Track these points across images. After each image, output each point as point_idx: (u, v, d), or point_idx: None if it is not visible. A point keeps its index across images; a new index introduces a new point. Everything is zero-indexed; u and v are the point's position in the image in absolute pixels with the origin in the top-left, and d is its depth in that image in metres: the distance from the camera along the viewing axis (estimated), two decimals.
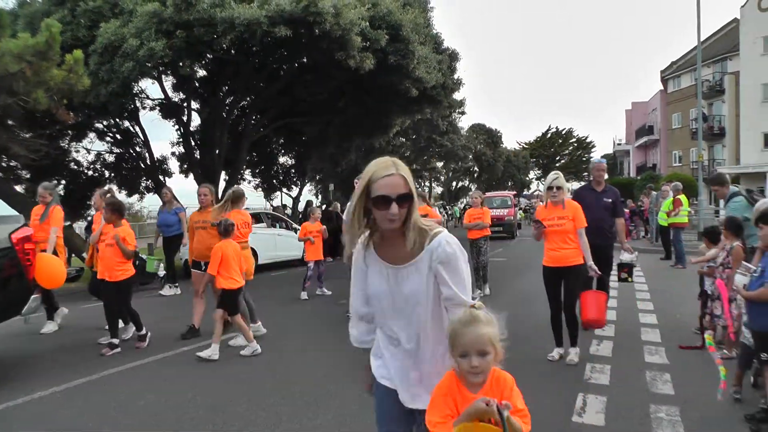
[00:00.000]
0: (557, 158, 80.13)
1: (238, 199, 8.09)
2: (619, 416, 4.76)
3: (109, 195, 8.59)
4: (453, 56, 21.70)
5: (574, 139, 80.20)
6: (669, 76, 49.32)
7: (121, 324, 7.73)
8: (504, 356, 2.35)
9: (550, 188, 6.40)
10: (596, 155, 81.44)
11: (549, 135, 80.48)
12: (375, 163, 2.42)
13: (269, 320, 8.70)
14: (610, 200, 7.80)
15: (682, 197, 14.80)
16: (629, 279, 7.78)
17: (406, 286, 2.42)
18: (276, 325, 8.65)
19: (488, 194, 33.15)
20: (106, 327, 7.68)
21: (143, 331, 7.70)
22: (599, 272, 6.42)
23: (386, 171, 2.33)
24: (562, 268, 6.31)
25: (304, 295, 11.33)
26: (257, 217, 16.89)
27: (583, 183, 75.75)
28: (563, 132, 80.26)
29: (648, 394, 5.26)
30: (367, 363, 2.74)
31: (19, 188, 17.07)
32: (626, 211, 10.41)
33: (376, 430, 2.68)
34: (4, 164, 16.97)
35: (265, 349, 7.25)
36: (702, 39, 24.13)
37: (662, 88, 51.29)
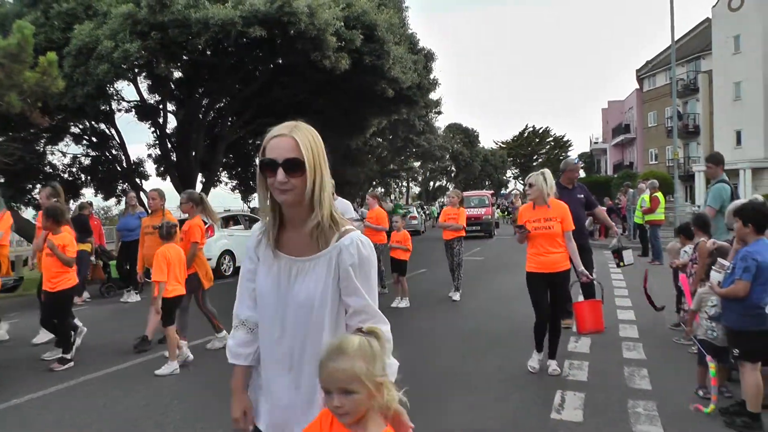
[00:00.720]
0: (534, 157, 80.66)
1: (201, 202, 7.61)
2: (597, 412, 4.80)
3: (54, 199, 8.07)
4: (428, 56, 21.76)
5: (551, 138, 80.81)
6: (644, 75, 49.86)
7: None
8: (395, 401, 1.94)
9: (529, 185, 5.95)
10: (573, 154, 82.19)
11: (526, 134, 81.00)
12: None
13: None
14: (582, 196, 7.86)
15: (659, 195, 14.96)
16: (622, 264, 7.92)
17: (301, 288, 2.01)
18: None
19: (466, 193, 33.18)
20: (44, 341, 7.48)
21: (68, 356, 6.90)
22: (591, 277, 6.10)
23: (278, 131, 2.01)
24: (549, 275, 5.75)
25: None
26: (235, 219, 16.82)
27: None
28: (540, 131, 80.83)
29: (626, 390, 5.31)
30: (241, 385, 2.25)
31: None
32: (603, 208, 10.51)
33: None
34: None
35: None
36: (676, 38, 24.43)
37: (638, 87, 51.82)
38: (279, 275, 2.04)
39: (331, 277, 1.99)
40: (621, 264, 7.96)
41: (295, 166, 1.92)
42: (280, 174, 1.91)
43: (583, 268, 5.93)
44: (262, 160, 1.97)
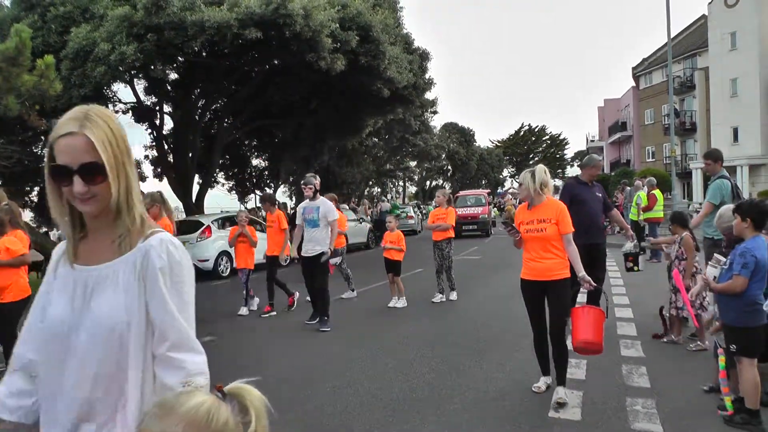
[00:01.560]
0: (531, 156, 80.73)
1: (164, 201, 7.08)
2: (595, 410, 4.82)
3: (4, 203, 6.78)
4: (424, 56, 21.78)
5: (547, 137, 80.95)
6: (640, 73, 49.91)
7: None
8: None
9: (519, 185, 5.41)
10: (569, 152, 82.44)
11: (522, 133, 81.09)
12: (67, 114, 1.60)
13: (249, 321, 8.68)
14: (600, 195, 7.59)
15: (657, 192, 14.99)
16: (636, 268, 7.72)
17: (99, 304, 1.54)
18: (257, 326, 8.61)
19: (462, 193, 33.02)
20: None
21: None
22: (594, 284, 5.05)
23: (65, 127, 1.55)
24: (543, 283, 5.03)
25: (243, 310, 10.11)
26: (232, 220, 16.79)
27: (557, 180, 75.68)
28: (536, 129, 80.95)
29: (624, 388, 5.33)
30: None
31: None
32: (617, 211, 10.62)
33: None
34: None
35: (249, 348, 7.23)
36: (672, 36, 24.47)
37: (634, 84, 51.86)
38: (74, 293, 1.58)
39: (137, 288, 1.56)
40: (635, 269, 7.84)
41: (93, 171, 1.51)
42: (78, 184, 1.50)
43: (584, 273, 4.97)
44: (51, 167, 1.54)
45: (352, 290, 11.20)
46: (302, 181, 9.00)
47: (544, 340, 5.23)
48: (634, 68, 51.58)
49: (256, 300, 10.46)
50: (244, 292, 10.19)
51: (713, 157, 7.53)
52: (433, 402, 5.18)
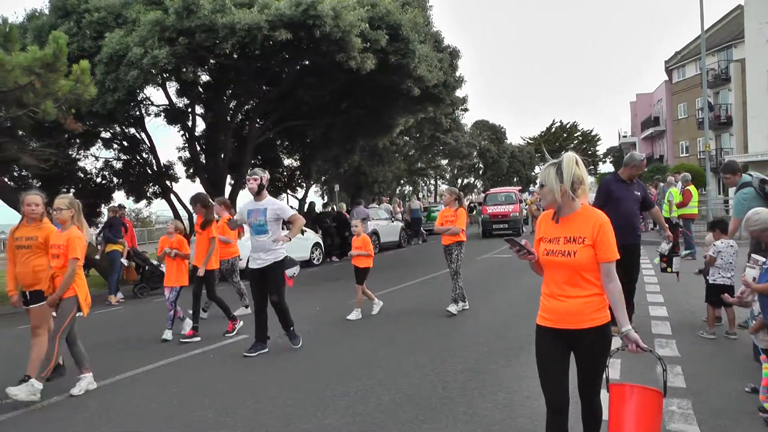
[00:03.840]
0: (562, 152, 79.94)
1: (79, 210, 6.46)
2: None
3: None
4: (454, 54, 21.69)
5: (578, 133, 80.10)
6: (673, 67, 49.11)
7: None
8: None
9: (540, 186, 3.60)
10: (602, 148, 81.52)
11: (553, 129, 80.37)
12: None
13: (273, 321, 8.75)
14: (639, 194, 7.37)
15: (692, 188, 14.76)
16: (669, 269, 7.67)
17: None
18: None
19: (492, 190, 32.81)
20: None
21: None
22: (644, 347, 3.30)
23: None
24: (570, 333, 3.36)
25: (167, 334, 8.58)
26: None
27: (589, 177, 75.38)
28: (568, 126, 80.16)
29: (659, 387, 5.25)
30: None
31: None
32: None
33: (385, 430, 2.65)
34: (15, 174, 17.21)
35: (272, 350, 7.31)
36: (706, 27, 24.05)
37: (667, 78, 51.09)
38: None
39: None
40: (669, 270, 7.74)
41: None
42: None
43: (630, 328, 3.34)
44: None
45: (246, 306, 10.25)
46: (253, 169, 7.57)
47: (559, 419, 3.43)
48: (666, 62, 50.78)
49: (189, 321, 8.74)
50: (171, 313, 8.60)
51: (731, 170, 7.40)
52: (465, 401, 5.18)
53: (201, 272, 8.41)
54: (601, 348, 3.39)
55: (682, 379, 5.45)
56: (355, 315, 9.45)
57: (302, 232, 18.24)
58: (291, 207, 9.75)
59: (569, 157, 3.44)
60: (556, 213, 3.48)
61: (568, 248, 3.35)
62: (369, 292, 9.80)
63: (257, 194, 7.33)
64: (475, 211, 34.06)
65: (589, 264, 3.32)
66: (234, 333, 8.60)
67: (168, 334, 8.53)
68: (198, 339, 8.33)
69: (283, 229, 7.67)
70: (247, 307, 10.20)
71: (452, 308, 9.38)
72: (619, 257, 3.34)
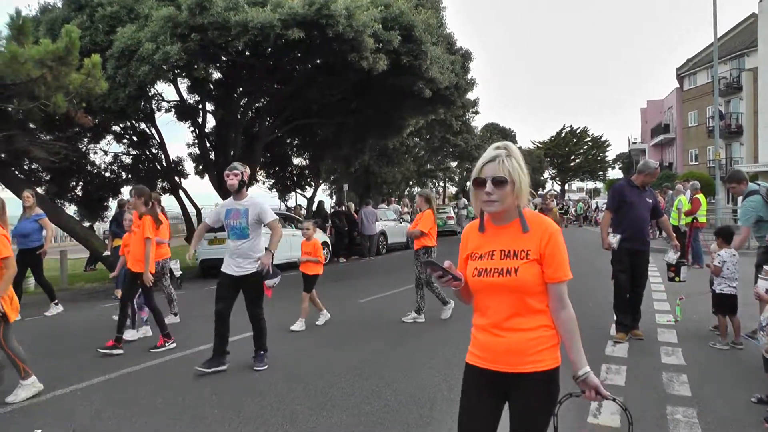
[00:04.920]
0: (572, 157, 79.82)
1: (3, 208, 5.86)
2: (634, 417, 4.72)
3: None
4: (466, 56, 21.70)
5: (588, 138, 79.89)
6: (685, 74, 48.91)
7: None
8: None
9: (479, 180, 2.53)
10: (611, 154, 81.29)
11: (563, 134, 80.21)
12: None
13: (281, 319, 8.76)
14: (651, 201, 7.39)
15: (700, 196, 14.69)
16: (677, 279, 7.64)
17: None
18: (288, 324, 8.69)
19: None
20: None
21: None
22: (607, 395, 2.68)
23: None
24: (506, 377, 2.57)
25: (131, 333, 8.29)
26: None
27: (597, 182, 74.07)
28: (578, 131, 79.99)
29: (664, 395, 5.24)
30: None
31: (39, 190, 17.41)
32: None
33: (391, 430, 2.64)
34: (25, 167, 17.28)
35: (278, 348, 7.31)
36: (719, 35, 23.94)
37: (678, 85, 50.90)
38: None
39: None
40: (677, 279, 7.72)
41: None
42: None
43: (588, 370, 2.67)
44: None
45: (175, 314, 9.64)
46: (232, 163, 6.74)
47: None
48: (678, 69, 50.59)
49: (146, 328, 8.56)
50: (143, 307, 8.42)
51: (736, 179, 7.39)
52: None
53: (148, 279, 7.58)
54: (544, 400, 2.63)
55: (688, 387, 5.43)
56: (299, 326, 8.64)
57: None
58: (298, 209, 9.45)
59: (515, 147, 2.59)
60: (481, 221, 2.65)
61: (506, 265, 2.50)
62: (318, 301, 9.05)
63: (237, 192, 6.54)
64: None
65: (535, 285, 2.49)
66: (161, 350, 7.58)
67: (131, 334, 8.22)
68: (120, 352, 7.42)
69: (289, 227, 7.47)
70: (176, 315, 9.62)
71: (410, 316, 9.06)
72: (571, 277, 2.50)
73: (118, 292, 12.77)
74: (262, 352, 6.67)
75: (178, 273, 14.21)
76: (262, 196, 29.76)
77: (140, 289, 7.92)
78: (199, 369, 6.32)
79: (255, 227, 6.44)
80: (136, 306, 8.44)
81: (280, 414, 5.07)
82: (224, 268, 6.52)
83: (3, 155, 14.77)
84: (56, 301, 10.96)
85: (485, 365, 2.60)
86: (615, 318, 7.53)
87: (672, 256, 7.60)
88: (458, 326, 8.57)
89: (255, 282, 6.47)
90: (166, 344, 7.69)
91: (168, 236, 9.28)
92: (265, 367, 6.52)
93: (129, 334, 8.17)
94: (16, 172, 16.26)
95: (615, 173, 77.19)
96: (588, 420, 4.72)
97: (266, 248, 6.43)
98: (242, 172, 6.51)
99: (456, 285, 2.63)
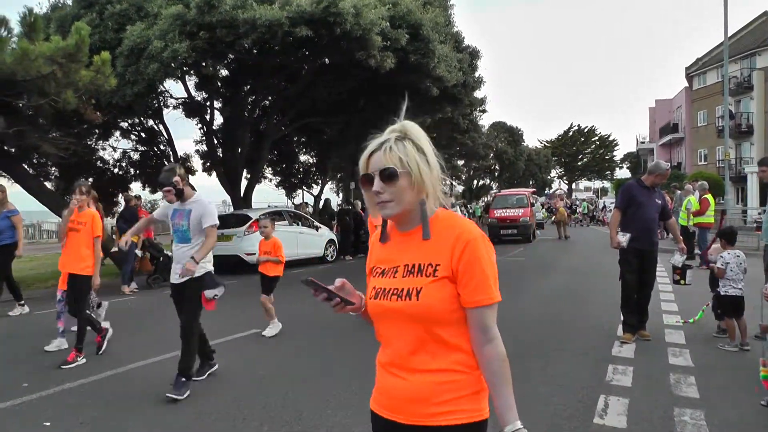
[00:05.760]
0: (579, 156, 79.67)
1: None
2: (641, 419, 4.73)
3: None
4: (473, 54, 21.66)
5: (596, 138, 79.77)
6: (694, 73, 48.70)
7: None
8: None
9: (366, 177, 1.97)
10: (619, 153, 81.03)
11: (571, 133, 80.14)
12: None
13: (284, 316, 8.78)
14: (660, 202, 7.39)
15: (709, 197, 14.64)
16: (683, 282, 7.57)
17: None
18: (292, 322, 8.70)
19: (503, 192, 32.24)
20: None
21: None
22: None
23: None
24: (410, 430, 1.91)
25: (56, 344, 7.55)
26: (280, 215, 17.13)
27: (605, 182, 73.85)
28: (585, 130, 79.89)
29: (672, 397, 5.22)
30: None
31: (48, 185, 17.52)
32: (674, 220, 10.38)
33: None
34: (35, 162, 17.39)
35: (279, 348, 7.32)
36: (729, 34, 23.81)
37: (687, 85, 50.69)
38: None
39: None
40: (682, 282, 7.68)
41: None
42: None
43: (520, 426, 1.91)
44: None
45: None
46: (159, 178, 5.96)
47: None
48: (687, 68, 50.36)
49: (60, 341, 7.62)
50: (61, 316, 7.66)
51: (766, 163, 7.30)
52: None
53: (96, 281, 7.01)
54: None
55: (696, 389, 5.40)
56: (272, 330, 8.12)
57: (316, 228, 18.31)
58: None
59: (417, 127, 2.02)
60: (383, 229, 2.04)
61: (407, 285, 1.87)
62: (271, 308, 8.13)
63: (180, 199, 5.81)
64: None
65: (445, 312, 1.85)
66: (72, 366, 6.69)
67: (54, 345, 7.52)
68: (83, 361, 6.83)
69: (296, 224, 6.95)
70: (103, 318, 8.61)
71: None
72: (501, 299, 1.93)
73: (125, 288, 12.91)
74: (183, 379, 5.57)
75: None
76: (268, 193, 29.67)
77: (75, 295, 7.02)
78: (195, 379, 5.85)
79: (198, 231, 5.71)
80: (57, 312, 7.66)
81: (284, 411, 5.08)
82: (171, 278, 5.88)
83: (13, 150, 14.87)
84: (23, 302, 10.49)
85: (388, 414, 1.96)
86: (622, 318, 7.51)
87: (678, 259, 7.57)
88: None
89: (191, 291, 5.69)
90: (78, 359, 6.78)
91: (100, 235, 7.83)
92: (182, 397, 5.45)
93: (53, 345, 7.49)
94: (26, 167, 16.35)
95: (623, 173, 77.08)
96: (594, 421, 4.71)
97: (192, 257, 5.56)
98: (174, 183, 5.70)
99: (350, 310, 2.03)
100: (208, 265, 5.81)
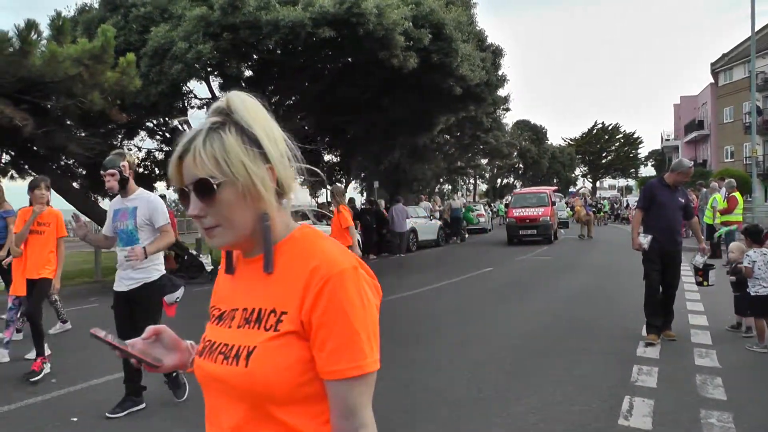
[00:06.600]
0: (603, 154, 78.98)
1: None
2: (666, 420, 4.69)
3: None
4: (497, 53, 21.60)
5: (620, 135, 78.99)
6: (720, 69, 48.03)
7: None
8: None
9: (181, 194, 1.30)
10: (644, 151, 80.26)
11: (595, 131, 79.40)
12: None
13: None
14: (683, 201, 7.28)
15: (737, 194, 14.44)
16: (705, 283, 7.51)
17: None
18: None
19: (522, 190, 31.82)
20: None
21: None
22: None
23: None
24: None
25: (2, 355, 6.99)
26: (304, 215, 17.17)
27: (629, 180, 73.37)
28: (609, 127, 79.11)
29: (698, 399, 5.15)
30: None
31: (75, 184, 17.80)
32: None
33: (419, 428, 2.56)
34: (62, 162, 17.67)
35: None
36: (756, 29, 23.44)
37: (713, 81, 50.03)
38: None
39: None
40: (705, 284, 7.58)
41: None
42: None
43: None
44: None
45: (64, 322, 8.67)
46: (105, 161, 5.06)
47: None
48: (713, 64, 49.70)
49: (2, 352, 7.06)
50: (10, 325, 7.16)
51: None
52: (499, 403, 5.16)
53: (57, 286, 6.65)
54: None
55: (723, 391, 5.33)
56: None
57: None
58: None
59: (249, 99, 1.41)
60: (228, 257, 1.39)
61: (238, 340, 1.24)
62: None
63: (122, 189, 5.06)
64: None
65: (285, 385, 1.18)
66: (40, 376, 6.18)
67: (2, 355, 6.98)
68: (47, 370, 6.36)
69: (319, 222, 5.91)
70: (65, 322, 8.65)
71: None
72: (378, 367, 1.24)
73: None
74: (130, 403, 5.14)
75: (209, 268, 14.41)
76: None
77: (34, 299, 6.42)
78: (110, 415, 5.06)
79: (146, 230, 5.02)
80: (6, 321, 7.19)
81: None
82: (115, 287, 5.14)
83: (42, 150, 15.11)
84: None
85: None
86: (646, 319, 7.44)
87: (699, 260, 7.48)
88: (485, 327, 8.56)
89: (148, 296, 5.03)
90: (44, 366, 6.27)
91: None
92: (121, 413, 5.05)
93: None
94: (54, 167, 16.61)
95: (647, 170, 76.27)
96: (619, 422, 4.68)
97: (144, 246, 4.86)
98: (121, 168, 4.96)
99: (165, 370, 1.49)
100: (161, 267, 5.21)
